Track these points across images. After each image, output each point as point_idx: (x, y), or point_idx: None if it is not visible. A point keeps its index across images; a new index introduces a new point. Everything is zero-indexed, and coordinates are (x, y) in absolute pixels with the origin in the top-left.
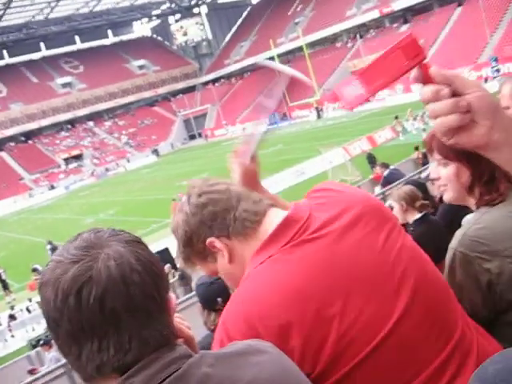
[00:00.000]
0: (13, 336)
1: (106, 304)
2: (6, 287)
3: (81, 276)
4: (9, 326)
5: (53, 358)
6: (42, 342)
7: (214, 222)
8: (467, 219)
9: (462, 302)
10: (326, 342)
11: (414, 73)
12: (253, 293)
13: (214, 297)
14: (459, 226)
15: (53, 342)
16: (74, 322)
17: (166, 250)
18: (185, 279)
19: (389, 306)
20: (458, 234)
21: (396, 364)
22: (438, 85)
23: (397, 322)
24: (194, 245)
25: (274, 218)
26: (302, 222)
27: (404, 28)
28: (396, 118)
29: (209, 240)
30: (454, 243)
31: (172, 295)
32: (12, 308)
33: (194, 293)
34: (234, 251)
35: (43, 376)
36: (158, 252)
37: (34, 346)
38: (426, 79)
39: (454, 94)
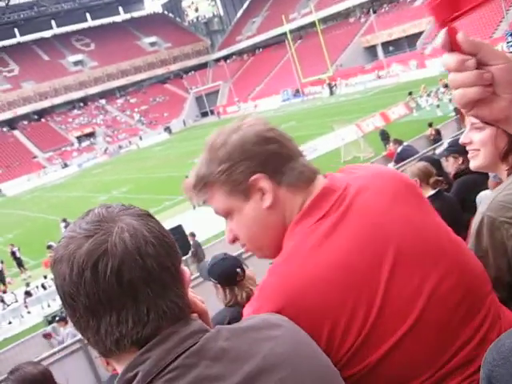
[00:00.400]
0: (29, 312)
1: (123, 276)
2: (20, 265)
3: (96, 250)
4: (25, 302)
5: (69, 333)
6: (57, 318)
7: (272, 161)
8: (482, 196)
9: (488, 268)
10: (368, 316)
11: (441, 39)
12: (294, 267)
13: (233, 269)
14: (473, 203)
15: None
16: (91, 295)
17: (180, 226)
18: (197, 256)
19: (429, 280)
20: (488, 198)
21: (434, 340)
22: (463, 54)
23: (436, 296)
24: (235, 173)
25: (320, 184)
26: (339, 193)
27: (418, 2)
28: (410, 94)
29: (257, 176)
30: (482, 208)
31: (185, 268)
32: (28, 285)
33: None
34: (278, 199)
35: (60, 351)
36: (172, 229)
37: (50, 322)
38: (452, 45)
39: (479, 63)
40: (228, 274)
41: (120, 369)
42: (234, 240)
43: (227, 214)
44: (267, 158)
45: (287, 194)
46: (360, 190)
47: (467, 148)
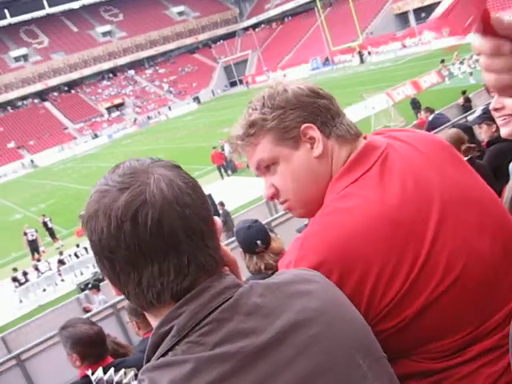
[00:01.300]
0: (63, 280)
1: (164, 226)
2: (53, 234)
3: (134, 201)
4: (58, 270)
5: (102, 300)
6: (90, 286)
7: (323, 113)
8: None
9: None
10: (413, 269)
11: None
12: (340, 218)
13: (254, 240)
14: (507, 171)
15: (101, 284)
16: (133, 247)
17: (209, 195)
18: (227, 225)
19: (471, 237)
20: None
21: (473, 297)
22: (498, 38)
23: (477, 254)
24: (286, 119)
25: (362, 142)
26: (381, 150)
27: None
28: (442, 61)
29: (308, 125)
30: None
31: (216, 218)
32: (61, 253)
33: (234, 237)
34: (327, 149)
35: (92, 316)
36: None
37: (83, 290)
38: (485, 28)
39: None
40: (249, 243)
41: (156, 324)
42: (273, 196)
43: (271, 164)
44: (319, 110)
45: (335, 145)
46: (401, 149)
47: (498, 114)
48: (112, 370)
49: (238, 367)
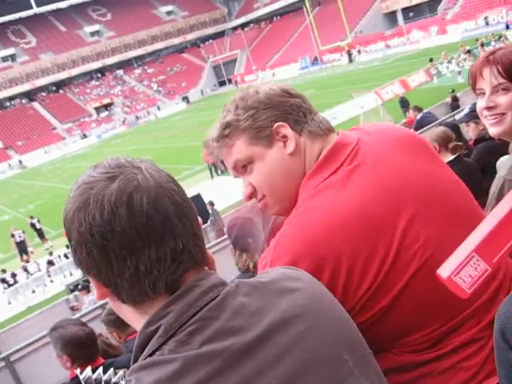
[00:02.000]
0: (52, 281)
1: (160, 209)
2: (42, 235)
3: (127, 185)
4: (47, 271)
5: (91, 300)
6: (80, 287)
7: (294, 112)
8: (502, 161)
9: None
10: (384, 263)
11: None
12: (311, 217)
13: (246, 237)
14: (494, 168)
15: (91, 285)
16: (129, 230)
17: (199, 195)
18: (216, 224)
19: (444, 231)
20: (508, 163)
21: (440, 294)
22: None
23: (451, 246)
24: (259, 119)
25: (334, 139)
26: (351, 147)
27: None
28: (430, 60)
29: (280, 123)
30: (502, 172)
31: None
32: (51, 254)
33: (225, 236)
34: (299, 146)
35: (82, 316)
36: (191, 198)
37: (72, 291)
38: None
39: None
40: (240, 240)
41: (142, 323)
42: (251, 195)
43: (247, 164)
44: (291, 109)
45: (307, 141)
46: (372, 144)
47: (490, 113)
48: (101, 369)
49: (225, 366)
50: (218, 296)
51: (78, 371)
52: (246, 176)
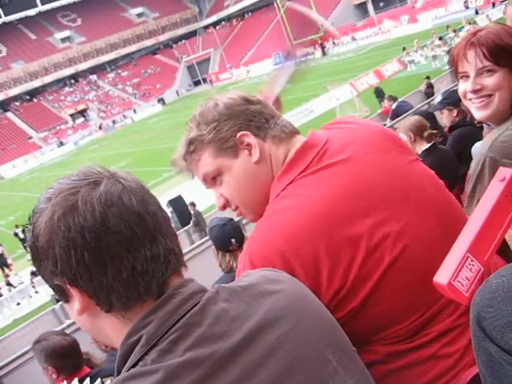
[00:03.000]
0: (37, 292)
1: (148, 208)
2: (25, 246)
3: (114, 187)
4: (32, 282)
5: None
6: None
7: (256, 118)
8: (477, 146)
9: None
10: (353, 262)
11: None
12: (279, 219)
13: (228, 238)
14: (470, 154)
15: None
16: (124, 228)
17: (179, 197)
18: (199, 225)
19: (414, 224)
20: (488, 139)
21: (415, 287)
22: None
23: (422, 239)
24: (222, 131)
25: (301, 140)
26: (319, 147)
27: None
28: (404, 49)
29: (243, 132)
30: (482, 149)
31: None
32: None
33: (207, 237)
34: (264, 152)
35: (67, 327)
36: (172, 200)
37: (58, 300)
38: None
39: None
40: (222, 240)
41: (123, 334)
42: (225, 206)
43: (216, 176)
44: (252, 116)
45: (272, 146)
46: (341, 143)
47: (476, 95)
48: (88, 379)
49: (209, 372)
50: (198, 303)
51: (64, 383)
52: (216, 187)
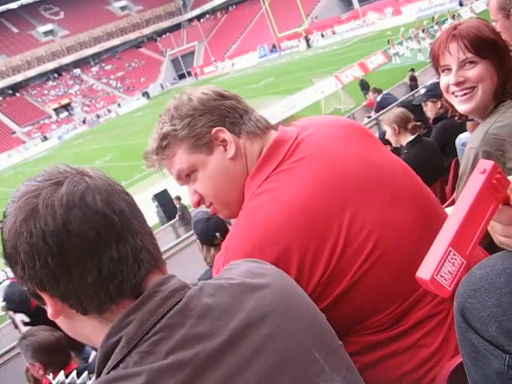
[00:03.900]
0: None
1: (115, 206)
2: None
3: (77, 187)
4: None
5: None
6: None
7: (231, 114)
8: (461, 138)
9: None
10: (333, 254)
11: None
12: (256, 216)
13: (212, 232)
14: (453, 146)
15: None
16: (87, 230)
17: (165, 191)
18: (185, 219)
19: (389, 214)
20: (478, 133)
21: (394, 276)
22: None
23: (395, 227)
24: (196, 126)
25: (272, 136)
26: (291, 142)
27: None
28: (388, 42)
29: (218, 128)
30: (474, 143)
31: None
32: None
33: (192, 232)
34: (240, 148)
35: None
36: (157, 194)
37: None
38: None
39: None
40: (207, 234)
41: (103, 334)
42: (199, 202)
43: (190, 173)
44: (226, 112)
45: (247, 142)
46: (312, 137)
47: (459, 88)
48: (74, 372)
49: (193, 375)
50: (180, 300)
51: (50, 377)
52: (190, 184)
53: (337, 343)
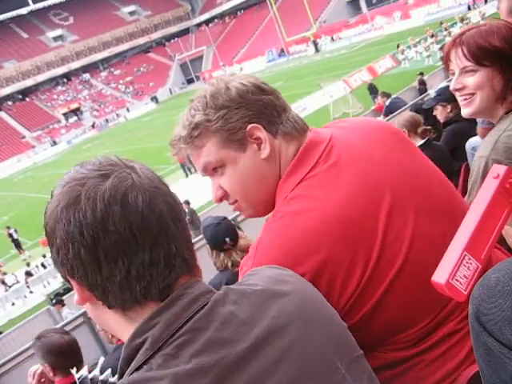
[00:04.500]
0: (31, 292)
1: (155, 209)
2: (19, 246)
3: (121, 183)
4: (26, 282)
5: (67, 313)
6: (54, 301)
7: (269, 111)
8: (471, 142)
9: None
10: (367, 265)
11: None
12: (289, 223)
13: (222, 237)
14: (463, 150)
15: (65, 298)
16: (123, 230)
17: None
18: (194, 223)
19: (421, 224)
20: (488, 141)
21: (424, 291)
22: None
23: (427, 239)
24: (231, 120)
25: (307, 138)
26: (325, 144)
27: None
28: (398, 46)
29: (254, 125)
30: (484, 151)
31: None
32: (28, 265)
33: (202, 236)
34: (274, 149)
35: (64, 326)
36: None
37: (52, 300)
38: None
39: None
40: (216, 239)
41: (128, 334)
42: (222, 198)
43: (218, 167)
44: (264, 108)
45: (282, 143)
46: (346, 140)
47: (459, 94)
48: (98, 368)
49: (217, 380)
50: (205, 305)
51: (73, 370)
52: (215, 178)
53: (358, 352)
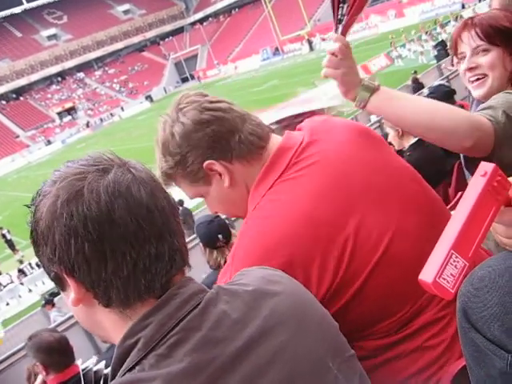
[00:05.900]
0: (30, 290)
1: (157, 202)
2: (12, 246)
3: (123, 177)
4: (19, 279)
5: (55, 316)
6: (43, 302)
7: (217, 143)
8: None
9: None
10: (341, 263)
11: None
12: (262, 226)
13: (215, 234)
14: None
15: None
16: (129, 222)
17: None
18: (187, 223)
19: (393, 218)
20: (500, 96)
21: (401, 282)
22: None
23: (401, 232)
24: (188, 164)
25: (274, 146)
26: (294, 149)
27: None
28: (391, 44)
29: (208, 162)
30: (496, 100)
31: None
32: (21, 262)
33: (196, 235)
34: (235, 175)
35: (58, 326)
36: None
37: (47, 301)
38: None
39: None
40: (209, 237)
41: (120, 334)
42: (216, 212)
43: (200, 197)
44: (212, 142)
45: (243, 167)
46: (318, 142)
47: (471, 74)
48: (103, 362)
49: (210, 380)
50: (198, 304)
51: (79, 361)
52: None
53: (350, 353)
